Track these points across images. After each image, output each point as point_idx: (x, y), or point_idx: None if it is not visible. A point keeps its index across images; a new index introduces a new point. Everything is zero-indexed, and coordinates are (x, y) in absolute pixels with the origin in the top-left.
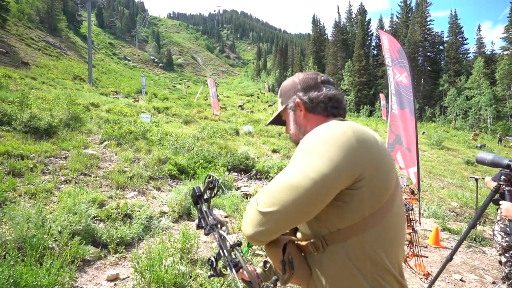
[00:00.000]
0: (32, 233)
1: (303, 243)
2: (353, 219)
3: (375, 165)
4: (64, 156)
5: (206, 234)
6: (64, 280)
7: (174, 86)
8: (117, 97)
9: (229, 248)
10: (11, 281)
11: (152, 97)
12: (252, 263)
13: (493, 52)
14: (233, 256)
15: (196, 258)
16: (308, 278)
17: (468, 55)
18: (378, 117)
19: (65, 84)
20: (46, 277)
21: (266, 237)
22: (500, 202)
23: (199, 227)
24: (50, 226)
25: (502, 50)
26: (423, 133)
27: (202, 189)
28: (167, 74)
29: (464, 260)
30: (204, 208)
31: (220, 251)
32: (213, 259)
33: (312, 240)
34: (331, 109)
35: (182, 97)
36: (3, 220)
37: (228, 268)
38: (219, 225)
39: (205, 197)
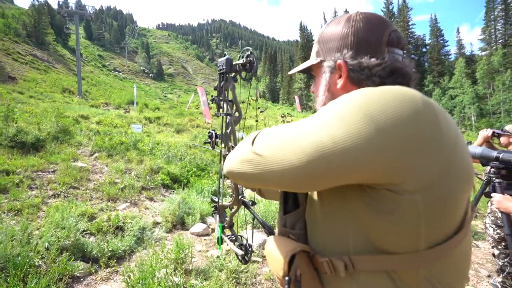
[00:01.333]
0: (16, 251)
1: (320, 259)
2: (402, 244)
3: (449, 163)
4: (52, 170)
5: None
6: None
7: (165, 96)
8: (108, 108)
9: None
10: None
11: (143, 108)
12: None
13: (473, 53)
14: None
15: (190, 268)
16: None
17: (450, 56)
18: None
19: (54, 98)
20: None
21: (245, 181)
22: (492, 195)
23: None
24: (37, 243)
25: (480, 51)
26: None
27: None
28: (158, 84)
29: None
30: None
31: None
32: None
33: (331, 258)
34: (394, 84)
35: (173, 107)
36: None
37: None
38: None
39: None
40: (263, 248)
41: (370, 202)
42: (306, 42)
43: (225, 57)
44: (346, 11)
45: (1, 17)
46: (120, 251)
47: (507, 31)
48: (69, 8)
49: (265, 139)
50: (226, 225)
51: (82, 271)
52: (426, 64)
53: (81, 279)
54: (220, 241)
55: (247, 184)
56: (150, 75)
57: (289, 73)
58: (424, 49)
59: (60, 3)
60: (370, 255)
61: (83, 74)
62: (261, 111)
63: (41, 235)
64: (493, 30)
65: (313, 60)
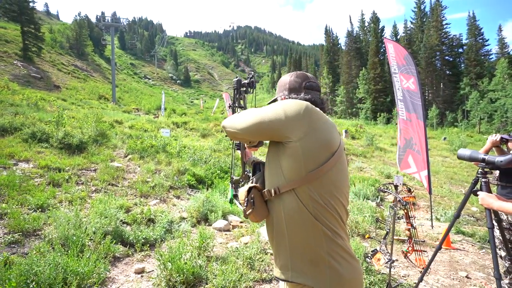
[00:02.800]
0: (72, 232)
1: (264, 191)
2: (296, 171)
3: (312, 129)
4: (93, 168)
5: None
6: (100, 270)
7: (191, 102)
8: (139, 114)
9: None
10: (60, 268)
11: (171, 113)
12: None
13: None
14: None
15: (211, 255)
16: (265, 216)
17: (490, 57)
18: (396, 124)
19: (91, 104)
20: (87, 266)
21: (232, 134)
22: (478, 193)
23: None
24: (86, 227)
25: None
26: (444, 138)
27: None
28: (185, 90)
29: (474, 260)
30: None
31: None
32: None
33: (267, 188)
34: None
35: (199, 112)
36: (48, 222)
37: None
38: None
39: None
40: None
41: (283, 151)
42: (331, 46)
43: (237, 78)
44: (373, 13)
45: (49, 33)
46: (151, 239)
47: None
48: (106, 21)
49: (244, 113)
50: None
51: (121, 252)
52: (462, 65)
53: (121, 259)
54: (231, 201)
55: (229, 132)
56: (177, 81)
57: (267, 103)
58: (460, 50)
59: (98, 17)
60: (286, 183)
61: (116, 81)
62: None
63: (89, 221)
64: None
65: (275, 96)
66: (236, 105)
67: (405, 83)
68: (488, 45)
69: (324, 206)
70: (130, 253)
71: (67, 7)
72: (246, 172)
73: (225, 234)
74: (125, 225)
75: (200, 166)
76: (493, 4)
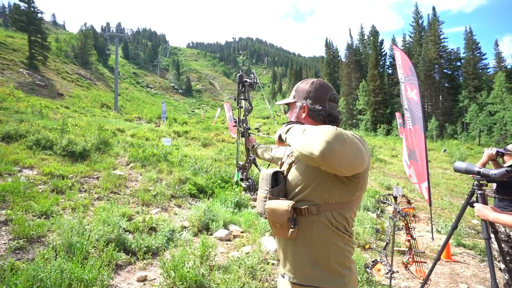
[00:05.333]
0: (75, 239)
1: (303, 206)
2: (344, 196)
3: (369, 163)
4: (96, 176)
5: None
6: (103, 277)
7: (193, 111)
8: (140, 122)
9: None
10: (65, 274)
11: (172, 122)
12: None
13: None
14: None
15: (214, 264)
16: (294, 233)
17: (488, 70)
18: (396, 135)
19: (94, 112)
20: (91, 273)
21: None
22: (474, 205)
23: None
24: (89, 235)
25: None
26: (444, 150)
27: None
28: (186, 99)
29: (475, 273)
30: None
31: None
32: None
33: (307, 206)
34: (328, 122)
35: (200, 121)
36: (52, 229)
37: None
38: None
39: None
40: None
41: (336, 177)
42: (331, 58)
43: (239, 74)
44: (373, 27)
45: (55, 42)
46: (153, 248)
47: None
48: (111, 31)
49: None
50: (244, 178)
51: (124, 260)
52: (460, 78)
53: (123, 267)
54: (237, 183)
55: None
56: (179, 91)
57: (276, 103)
58: (458, 63)
59: (103, 27)
60: (326, 203)
61: (119, 90)
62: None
63: (92, 229)
64: None
65: (291, 99)
66: (242, 98)
67: (409, 93)
68: (485, 59)
69: (350, 220)
70: (133, 261)
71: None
72: (250, 158)
73: (226, 243)
74: (127, 233)
75: (201, 175)
76: (489, 19)
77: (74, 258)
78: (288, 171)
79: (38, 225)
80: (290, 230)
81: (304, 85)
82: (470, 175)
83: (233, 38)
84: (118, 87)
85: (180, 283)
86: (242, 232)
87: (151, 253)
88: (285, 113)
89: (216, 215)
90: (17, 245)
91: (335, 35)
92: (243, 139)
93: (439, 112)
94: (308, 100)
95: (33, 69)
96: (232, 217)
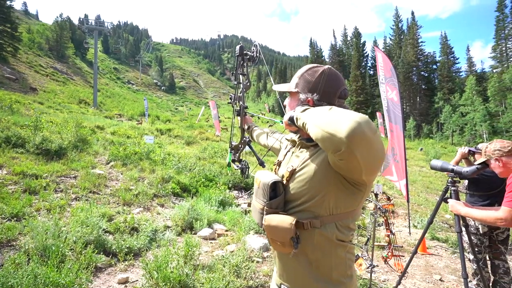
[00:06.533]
0: (51, 242)
1: (305, 220)
2: (349, 205)
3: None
4: (73, 175)
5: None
6: (81, 281)
7: (176, 109)
8: (121, 120)
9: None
10: (39, 279)
11: (155, 120)
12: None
13: (483, 70)
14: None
15: (198, 264)
16: (296, 254)
17: (460, 74)
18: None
19: (71, 108)
20: (68, 277)
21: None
22: (448, 200)
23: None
24: (66, 237)
25: (492, 68)
26: (421, 149)
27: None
28: (170, 96)
29: (447, 264)
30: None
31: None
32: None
33: (310, 220)
34: None
35: (184, 119)
36: (24, 232)
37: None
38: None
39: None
40: (264, 251)
41: (344, 187)
42: (316, 58)
43: (239, 45)
44: (355, 29)
45: (27, 33)
46: (135, 248)
47: None
48: (90, 24)
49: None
50: (236, 159)
51: (104, 262)
52: (436, 81)
53: (103, 270)
54: (229, 165)
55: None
56: (162, 87)
57: (273, 87)
58: (434, 66)
59: (81, 19)
60: (329, 215)
61: (98, 86)
62: (269, 125)
63: (69, 230)
64: (504, 48)
65: (293, 88)
66: (239, 72)
67: (389, 94)
68: (458, 63)
69: (353, 229)
70: (113, 263)
71: (47, 7)
72: (244, 139)
73: (211, 242)
74: (107, 234)
75: (184, 174)
76: (462, 25)
77: (49, 262)
78: (288, 179)
79: (8, 228)
80: (293, 251)
81: (312, 74)
82: (445, 173)
83: (218, 35)
84: (97, 83)
85: (164, 283)
86: (226, 230)
87: (132, 254)
88: (269, 111)
89: (200, 214)
90: None
91: (320, 35)
92: (239, 118)
93: (416, 112)
94: (315, 94)
95: (2, 61)
96: (217, 216)
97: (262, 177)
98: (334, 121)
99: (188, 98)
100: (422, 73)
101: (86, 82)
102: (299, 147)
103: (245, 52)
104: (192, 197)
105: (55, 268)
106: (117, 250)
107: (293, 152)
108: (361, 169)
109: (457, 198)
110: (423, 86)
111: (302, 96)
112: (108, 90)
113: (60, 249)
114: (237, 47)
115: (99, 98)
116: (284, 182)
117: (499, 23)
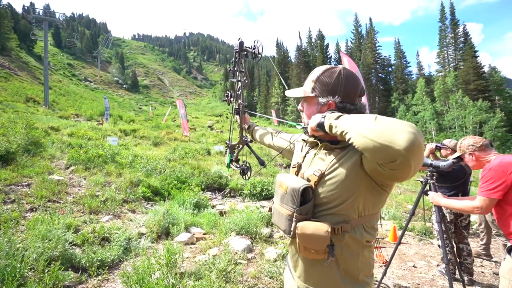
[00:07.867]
0: (3, 262)
1: (336, 225)
2: (375, 207)
3: None
4: (26, 183)
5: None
6: None
7: (140, 108)
8: (79, 120)
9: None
10: None
11: (117, 120)
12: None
13: (430, 73)
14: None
15: (182, 271)
16: (332, 262)
17: (412, 76)
18: None
19: (16, 107)
20: None
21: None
22: (428, 193)
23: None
24: (24, 255)
25: (437, 72)
26: None
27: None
28: (132, 95)
29: (417, 251)
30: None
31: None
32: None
33: (341, 225)
34: None
35: (149, 119)
36: None
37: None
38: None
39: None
40: (247, 252)
41: (372, 190)
42: (282, 58)
43: (239, 40)
44: (319, 31)
45: None
46: (108, 260)
47: (457, 56)
48: (37, 13)
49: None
50: (234, 159)
51: (72, 280)
52: (392, 82)
53: None
54: (228, 166)
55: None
56: (124, 86)
57: (286, 93)
58: (390, 69)
59: (26, 7)
60: (358, 217)
61: (50, 83)
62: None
63: (26, 247)
64: (446, 55)
65: (309, 92)
66: (236, 69)
67: None
68: (409, 66)
69: (377, 229)
70: (84, 279)
71: None
72: (244, 138)
73: (190, 247)
74: (74, 247)
75: (154, 176)
76: (412, 32)
77: (5, 286)
78: (316, 184)
79: None
80: (330, 259)
81: (329, 76)
82: (423, 167)
83: (184, 32)
84: (48, 79)
85: None
86: (204, 234)
87: (106, 267)
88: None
89: (176, 218)
90: None
91: (286, 36)
92: (237, 117)
93: (376, 111)
94: (336, 96)
95: None
96: (193, 219)
97: (289, 182)
98: (388, 132)
99: (153, 97)
100: (380, 75)
101: (34, 79)
102: (323, 149)
103: (244, 48)
104: (165, 201)
105: None
106: (87, 264)
107: (315, 154)
108: (410, 174)
109: (436, 191)
110: (381, 87)
111: (322, 100)
112: (62, 88)
113: (18, 270)
114: (236, 43)
115: (51, 96)
116: (313, 186)
117: (441, 32)
